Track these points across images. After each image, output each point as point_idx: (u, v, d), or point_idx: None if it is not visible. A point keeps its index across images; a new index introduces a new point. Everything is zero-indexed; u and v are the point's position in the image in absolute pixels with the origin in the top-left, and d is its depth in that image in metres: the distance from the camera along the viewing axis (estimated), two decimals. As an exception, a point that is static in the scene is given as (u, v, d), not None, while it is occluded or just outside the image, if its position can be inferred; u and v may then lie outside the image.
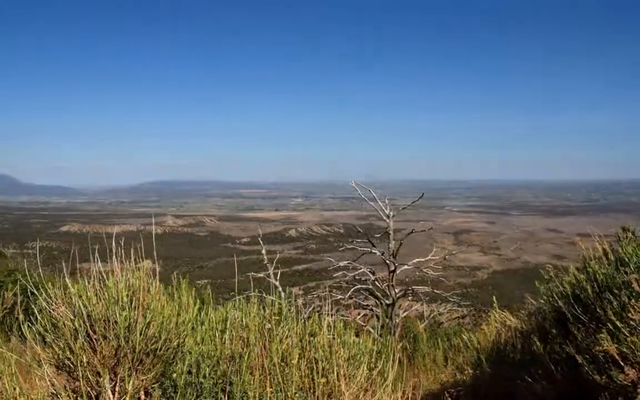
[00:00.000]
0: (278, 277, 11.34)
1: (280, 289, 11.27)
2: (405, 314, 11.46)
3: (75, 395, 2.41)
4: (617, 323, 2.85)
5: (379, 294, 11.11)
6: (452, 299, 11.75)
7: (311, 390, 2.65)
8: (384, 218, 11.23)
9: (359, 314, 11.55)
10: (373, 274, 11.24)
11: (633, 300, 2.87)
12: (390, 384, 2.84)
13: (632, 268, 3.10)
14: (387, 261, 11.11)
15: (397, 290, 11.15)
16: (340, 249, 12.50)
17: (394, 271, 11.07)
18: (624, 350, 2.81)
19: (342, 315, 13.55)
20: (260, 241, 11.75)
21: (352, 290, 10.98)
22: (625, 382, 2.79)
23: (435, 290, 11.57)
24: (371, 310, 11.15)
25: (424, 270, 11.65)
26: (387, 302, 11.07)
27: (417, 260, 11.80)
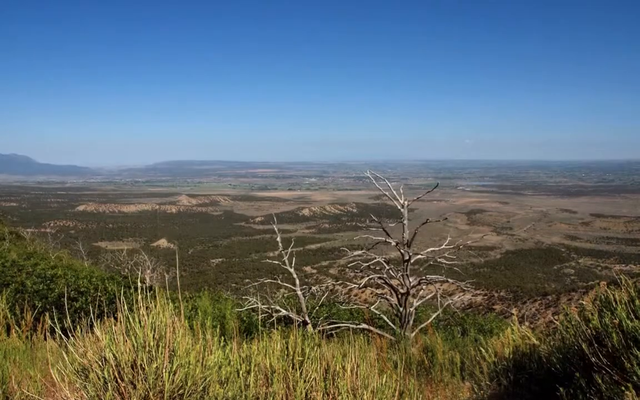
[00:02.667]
0: (293, 263, 11.42)
1: (295, 276, 11.34)
2: (418, 304, 11.48)
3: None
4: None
5: (392, 283, 11.13)
6: (466, 288, 11.71)
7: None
8: (399, 208, 11.19)
9: (370, 293, 11.56)
10: (387, 263, 11.23)
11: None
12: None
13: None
14: (402, 251, 11.08)
15: (411, 280, 11.14)
16: (355, 238, 12.48)
17: (408, 260, 11.05)
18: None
19: (356, 303, 13.60)
20: (276, 229, 11.77)
21: (365, 279, 10.99)
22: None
23: (449, 279, 11.55)
24: (386, 299, 11.17)
25: (439, 260, 11.61)
26: (402, 291, 11.07)
27: (431, 249, 11.77)
